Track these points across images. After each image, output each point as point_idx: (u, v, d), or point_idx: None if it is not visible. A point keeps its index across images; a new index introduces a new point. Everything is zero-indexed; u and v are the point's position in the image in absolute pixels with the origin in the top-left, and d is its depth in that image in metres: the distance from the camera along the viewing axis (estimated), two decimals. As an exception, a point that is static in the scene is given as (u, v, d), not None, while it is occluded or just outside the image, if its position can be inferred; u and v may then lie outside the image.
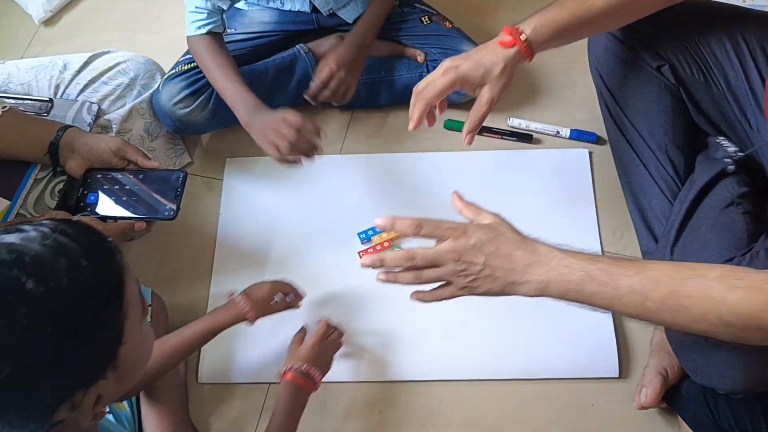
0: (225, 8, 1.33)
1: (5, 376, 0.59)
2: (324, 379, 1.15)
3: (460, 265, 0.89)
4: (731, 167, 1.21)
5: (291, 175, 1.46)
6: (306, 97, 1.41)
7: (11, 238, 0.63)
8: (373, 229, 1.36)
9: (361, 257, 1.26)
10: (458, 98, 1.47)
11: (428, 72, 1.42)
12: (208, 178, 1.48)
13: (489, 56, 1.07)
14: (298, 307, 1.26)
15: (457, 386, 1.25)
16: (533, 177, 1.43)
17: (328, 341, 1.21)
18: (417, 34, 1.48)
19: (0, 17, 1.74)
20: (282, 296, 1.22)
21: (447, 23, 1.49)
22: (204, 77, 1.36)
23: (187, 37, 1.36)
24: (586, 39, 1.33)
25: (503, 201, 1.38)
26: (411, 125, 1.10)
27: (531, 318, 1.28)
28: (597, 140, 1.47)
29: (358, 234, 1.37)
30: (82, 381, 0.65)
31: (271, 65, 1.45)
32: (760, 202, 1.21)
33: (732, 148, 1.24)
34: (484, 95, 1.09)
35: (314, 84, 1.39)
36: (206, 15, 1.32)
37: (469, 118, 1.12)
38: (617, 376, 1.24)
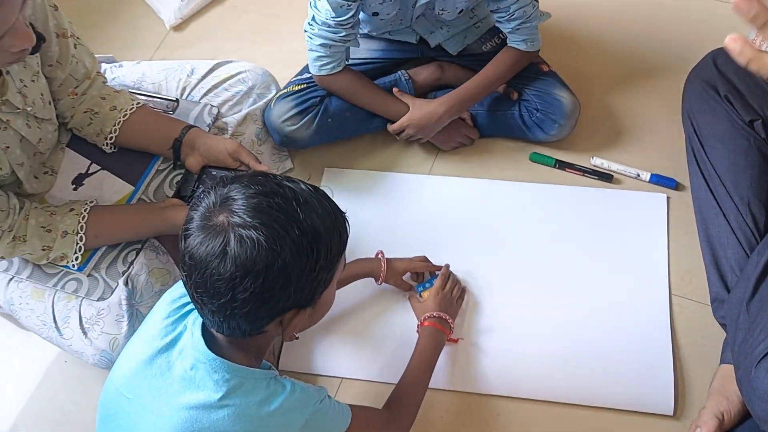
0: (348, 50, 1.48)
1: (267, 277, 0.80)
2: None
3: None
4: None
5: (380, 190, 1.58)
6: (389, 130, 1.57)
7: (291, 184, 0.85)
8: (430, 281, 1.43)
9: (418, 325, 1.38)
10: (546, 138, 1.56)
11: (519, 111, 1.55)
12: (306, 185, 1.61)
13: None
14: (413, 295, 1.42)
15: (515, 403, 1.33)
16: (610, 215, 1.50)
17: (452, 292, 1.38)
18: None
19: (136, 19, 1.93)
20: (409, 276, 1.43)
21: (544, 66, 1.57)
22: (312, 99, 1.50)
23: (318, 77, 1.49)
24: (682, 85, 1.39)
25: (578, 234, 1.48)
26: None
27: (595, 346, 1.36)
28: (676, 186, 1.52)
29: (417, 287, 1.45)
30: (300, 302, 0.86)
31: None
32: None
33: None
34: None
35: (389, 128, 1.56)
36: (337, 58, 1.46)
37: None
38: (671, 414, 1.29)
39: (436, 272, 1.43)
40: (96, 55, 1.58)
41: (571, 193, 1.54)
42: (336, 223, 0.87)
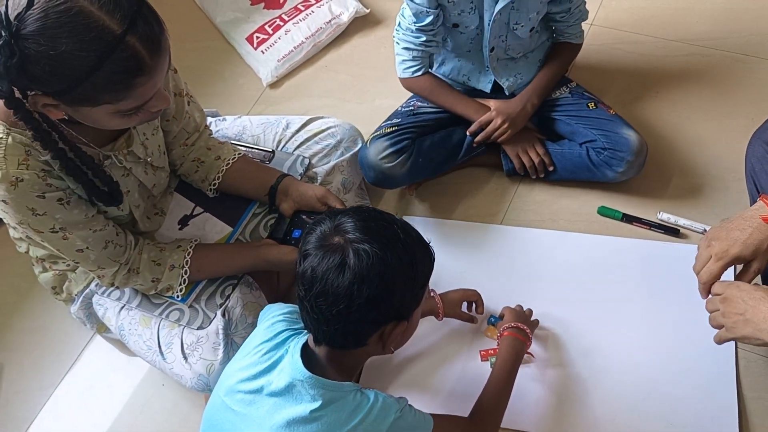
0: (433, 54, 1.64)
1: (379, 284, 0.96)
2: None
3: (725, 309, 1.14)
4: None
5: (453, 239, 1.68)
6: (468, 134, 1.67)
7: (388, 215, 1.05)
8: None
9: (481, 354, 1.47)
10: (615, 177, 1.63)
11: (586, 151, 1.64)
12: (385, 229, 1.73)
13: (755, 234, 1.16)
14: (474, 322, 1.50)
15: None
16: (676, 268, 1.54)
17: (523, 311, 1.47)
18: (582, 116, 1.66)
19: (237, 77, 2.13)
20: (466, 305, 1.51)
21: (611, 110, 1.66)
22: (405, 140, 1.63)
23: (402, 78, 1.67)
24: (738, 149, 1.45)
25: (644, 286, 1.53)
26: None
27: (663, 398, 1.40)
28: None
29: (489, 319, 1.53)
30: (400, 313, 1.03)
31: (456, 130, 1.70)
32: None
33: None
34: (752, 267, 1.19)
35: (473, 126, 1.65)
36: (419, 62, 1.63)
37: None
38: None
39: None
40: (203, 110, 1.78)
41: (638, 246, 1.60)
42: (425, 247, 1.05)
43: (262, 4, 2.18)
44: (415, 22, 1.55)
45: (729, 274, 1.23)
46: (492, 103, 1.64)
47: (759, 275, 1.22)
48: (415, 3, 1.51)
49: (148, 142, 1.35)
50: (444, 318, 1.47)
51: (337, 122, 1.70)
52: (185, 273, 1.40)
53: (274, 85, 2.08)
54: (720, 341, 1.18)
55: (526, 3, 1.51)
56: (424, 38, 1.57)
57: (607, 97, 1.82)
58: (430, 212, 1.74)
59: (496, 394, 1.29)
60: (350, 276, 0.95)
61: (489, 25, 1.53)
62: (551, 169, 1.69)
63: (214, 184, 1.51)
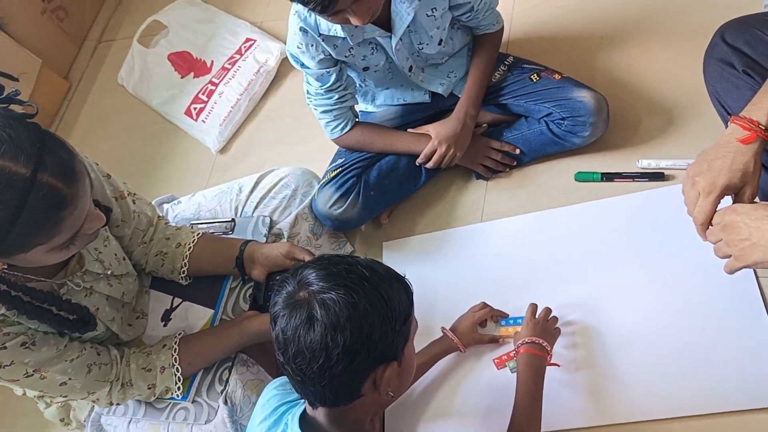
0: (352, 105, 1.57)
1: (353, 329, 0.91)
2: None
3: (727, 233, 1.05)
4: None
5: (441, 249, 1.61)
6: (418, 164, 1.60)
7: (351, 257, 0.99)
8: (514, 319, 1.45)
9: (495, 363, 1.41)
10: (583, 142, 1.56)
11: (546, 126, 1.56)
12: (370, 263, 1.67)
13: (738, 158, 1.09)
14: (499, 341, 1.44)
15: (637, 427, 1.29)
16: (672, 214, 1.45)
17: (546, 319, 1.38)
18: (529, 92, 1.58)
19: (187, 153, 2.09)
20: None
21: (556, 76, 1.58)
22: (350, 179, 1.57)
23: (333, 139, 1.61)
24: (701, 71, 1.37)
25: (645, 241, 1.45)
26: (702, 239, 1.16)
27: (698, 349, 1.32)
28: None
29: (500, 322, 1.47)
30: (387, 354, 0.96)
31: (403, 156, 1.63)
32: None
33: None
34: (746, 192, 1.11)
35: (419, 159, 1.58)
36: (342, 119, 1.56)
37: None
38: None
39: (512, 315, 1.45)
40: (157, 198, 1.74)
41: (627, 201, 1.51)
42: (399, 281, 1.00)
43: (192, 74, 2.15)
44: (321, 86, 1.50)
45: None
46: (431, 130, 1.57)
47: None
48: (313, 70, 1.46)
49: (103, 255, 1.31)
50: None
51: (287, 171, 1.65)
52: (177, 371, 1.35)
53: (223, 150, 2.04)
54: (731, 271, 1.08)
55: (422, 25, 1.43)
56: (336, 96, 1.52)
57: (553, 59, 1.74)
58: (409, 231, 1.68)
59: (524, 418, 1.22)
60: (320, 329, 0.91)
61: (395, 56, 1.47)
62: (517, 152, 1.62)
63: (184, 272, 1.46)
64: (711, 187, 1.10)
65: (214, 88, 2.08)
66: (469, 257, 1.59)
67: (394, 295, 0.96)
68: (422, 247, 1.64)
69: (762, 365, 1.27)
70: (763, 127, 1.08)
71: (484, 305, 1.46)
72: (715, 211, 1.11)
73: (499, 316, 1.46)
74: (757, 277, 1.35)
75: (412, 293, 1.02)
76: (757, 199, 1.18)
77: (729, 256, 1.08)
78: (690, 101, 1.57)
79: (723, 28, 1.33)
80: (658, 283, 1.41)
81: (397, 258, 1.64)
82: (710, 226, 1.12)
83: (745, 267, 1.06)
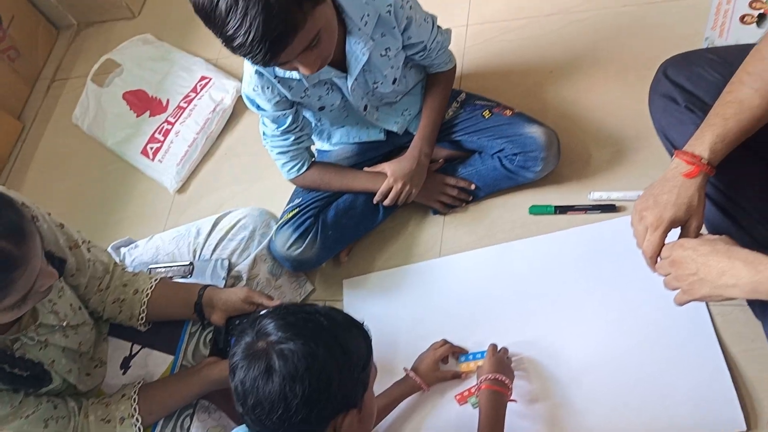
0: (309, 146, 1.58)
1: (311, 379, 0.91)
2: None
3: (676, 268, 1.09)
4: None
5: (401, 286, 1.62)
6: (375, 202, 1.61)
7: (309, 306, 1.01)
8: (474, 354, 1.47)
9: (457, 399, 1.42)
10: (536, 176, 1.58)
11: (500, 163, 1.59)
12: (331, 301, 1.67)
13: (683, 192, 1.13)
14: (461, 377, 1.45)
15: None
16: (624, 244, 1.47)
17: (502, 356, 1.40)
18: (481, 128, 1.61)
19: (145, 194, 2.07)
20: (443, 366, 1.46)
21: (507, 112, 1.61)
22: (307, 220, 1.57)
23: (290, 180, 1.61)
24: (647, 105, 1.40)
25: (599, 274, 1.48)
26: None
27: (652, 379, 1.34)
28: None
29: (460, 358, 1.48)
30: (347, 402, 0.97)
31: (360, 194, 1.63)
32: None
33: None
34: (692, 225, 1.14)
35: (376, 197, 1.59)
36: (299, 159, 1.57)
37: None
38: (745, 428, 1.25)
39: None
40: (115, 242, 1.72)
41: (580, 233, 1.54)
42: (357, 328, 1.01)
43: (147, 113, 2.14)
44: (277, 128, 1.50)
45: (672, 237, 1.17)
46: (387, 168, 1.58)
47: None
48: (269, 112, 1.47)
49: (58, 306, 1.29)
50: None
51: (245, 212, 1.65)
52: (137, 422, 1.33)
53: (181, 190, 2.02)
54: (681, 304, 1.12)
55: (376, 65, 1.45)
56: (293, 138, 1.52)
57: (506, 92, 1.77)
58: (369, 268, 1.68)
59: None
60: (279, 379, 0.91)
61: (351, 96, 1.48)
62: (473, 187, 1.64)
63: (142, 318, 1.45)
64: (658, 222, 1.14)
65: (170, 127, 2.07)
66: (429, 292, 1.60)
67: (352, 343, 0.98)
68: (382, 284, 1.65)
69: (715, 393, 1.30)
70: (705, 161, 1.12)
71: (444, 342, 1.47)
72: (663, 244, 1.15)
73: (459, 353, 1.47)
74: (708, 307, 1.38)
75: (371, 340, 1.02)
76: (704, 230, 1.22)
77: (678, 289, 1.11)
78: (637, 133, 1.61)
79: (665, 64, 1.37)
80: (612, 313, 1.43)
81: (358, 295, 1.65)
82: (660, 260, 1.15)
83: (693, 300, 1.10)
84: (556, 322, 1.46)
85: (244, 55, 1.16)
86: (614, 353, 1.39)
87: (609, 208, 1.55)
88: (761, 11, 1.66)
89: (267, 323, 0.96)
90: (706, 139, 1.13)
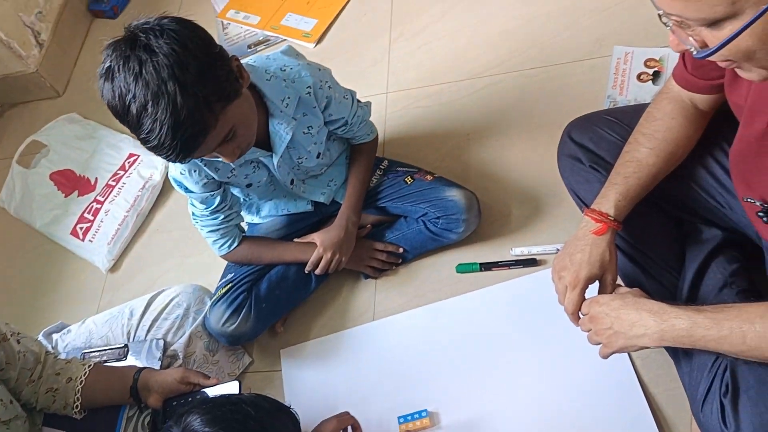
0: (238, 222, 1.61)
1: None
2: None
3: (595, 325, 1.17)
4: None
5: (338, 351, 1.65)
6: (306, 272, 1.64)
7: (235, 397, 1.05)
8: (411, 415, 1.50)
9: None
10: (459, 237, 1.65)
11: (425, 226, 1.65)
12: (269, 372, 1.68)
13: (595, 250, 1.21)
14: None
15: None
16: (546, 297, 1.53)
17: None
18: (404, 194, 1.67)
19: (77, 274, 2.05)
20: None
21: (428, 177, 1.68)
22: (241, 294, 1.60)
23: (222, 256, 1.63)
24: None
25: (524, 328, 1.54)
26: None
27: (577, 424, 1.40)
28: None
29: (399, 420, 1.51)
30: None
31: (292, 265, 1.67)
32: (757, 271, 1.31)
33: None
34: (607, 279, 1.23)
35: (307, 267, 1.63)
36: (229, 236, 1.59)
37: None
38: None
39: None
40: (46, 328, 1.70)
41: (504, 289, 1.61)
42: (285, 412, 1.04)
43: (76, 192, 2.13)
44: (206, 208, 1.53)
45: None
46: (316, 238, 1.62)
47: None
48: (198, 194, 1.50)
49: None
50: None
51: (179, 290, 1.66)
52: None
53: (114, 269, 2.01)
54: (604, 357, 1.20)
55: (300, 142, 1.50)
56: (222, 216, 1.55)
57: (428, 157, 1.85)
58: (306, 336, 1.71)
59: None
60: None
61: (277, 172, 1.52)
62: (401, 251, 1.69)
63: (77, 407, 1.43)
64: (575, 281, 1.22)
65: (99, 206, 2.06)
66: (366, 356, 1.63)
67: (281, 428, 1.00)
68: (320, 351, 1.67)
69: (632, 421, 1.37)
70: (612, 218, 1.21)
71: (350, 416, 1.43)
72: (584, 299, 1.22)
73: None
74: (629, 354, 1.45)
75: (299, 422, 1.04)
76: (619, 280, 1.30)
77: (600, 343, 1.18)
78: (552, 189, 1.69)
79: (569, 126, 1.47)
80: (540, 365, 1.49)
81: (296, 364, 1.67)
82: (581, 315, 1.23)
83: (614, 353, 1.17)
84: (486, 377, 1.51)
85: (159, 155, 1.20)
86: (543, 405, 1.45)
87: (530, 263, 1.62)
88: (656, 69, 1.80)
89: (193, 419, 0.97)
90: (611, 197, 1.22)
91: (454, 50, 2.06)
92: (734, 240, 1.35)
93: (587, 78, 1.85)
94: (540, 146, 1.76)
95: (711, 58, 0.78)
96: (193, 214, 1.57)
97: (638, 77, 1.80)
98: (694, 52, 0.80)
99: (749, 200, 1.13)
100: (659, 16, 0.79)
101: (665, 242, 1.39)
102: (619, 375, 1.43)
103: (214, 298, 1.62)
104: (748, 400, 1.07)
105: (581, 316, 1.24)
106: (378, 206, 1.71)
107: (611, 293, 1.23)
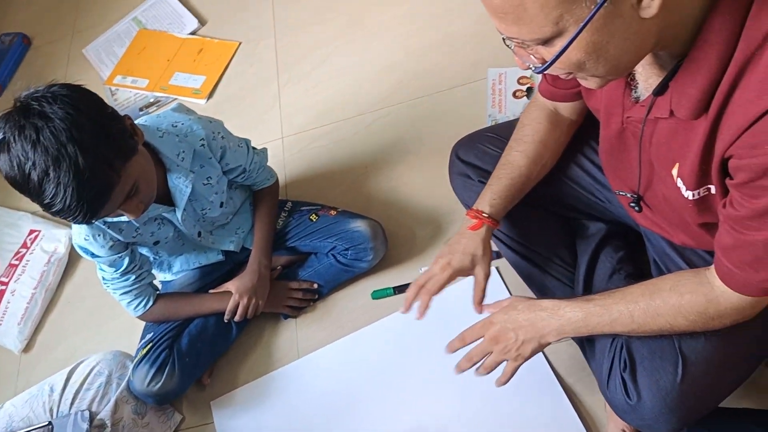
0: (151, 281, 1.62)
1: None
2: None
3: (499, 344, 1.21)
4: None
5: (269, 393, 1.67)
6: (226, 320, 1.66)
7: None
8: None
9: None
10: (369, 265, 1.71)
11: (335, 259, 1.70)
12: (202, 426, 1.68)
13: (469, 243, 1.30)
14: None
15: None
16: (461, 310, 1.61)
17: None
18: (311, 231, 1.73)
19: (-15, 366, 1.98)
20: None
21: (332, 212, 1.74)
22: (162, 353, 1.60)
23: (139, 317, 1.63)
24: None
25: (446, 338, 1.58)
26: (418, 315, 1.33)
27: (492, 415, 1.48)
28: (498, 256, 1.69)
29: None
30: None
31: (210, 316, 1.68)
32: (640, 254, 1.43)
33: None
34: (479, 274, 1.31)
35: (226, 316, 1.65)
36: (143, 296, 1.60)
37: (475, 294, 1.33)
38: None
39: None
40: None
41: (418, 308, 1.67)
42: None
43: (-22, 276, 2.07)
44: (116, 271, 1.53)
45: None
46: (231, 286, 1.65)
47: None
48: (105, 258, 1.50)
49: None
50: None
51: (97, 358, 1.64)
52: None
53: (27, 349, 1.96)
54: (512, 373, 1.25)
55: (201, 194, 1.53)
56: (133, 277, 1.56)
57: (330, 193, 1.92)
58: (234, 384, 1.72)
59: None
60: None
61: (182, 226, 1.55)
62: (315, 286, 1.74)
63: (4, 493, 1.39)
64: (445, 267, 1.31)
65: (4, 287, 2.01)
66: (295, 394, 1.66)
67: None
68: (250, 397, 1.68)
69: (564, 427, 1.45)
70: (486, 215, 1.30)
71: None
72: (444, 282, 1.30)
73: None
74: (544, 354, 1.53)
75: None
76: (502, 294, 1.38)
77: (501, 362, 1.24)
78: (450, 207, 1.79)
79: (456, 147, 1.57)
80: (463, 376, 1.51)
81: (228, 414, 1.67)
82: (470, 346, 1.27)
83: (526, 361, 1.23)
84: (415, 395, 1.57)
85: (65, 218, 1.21)
86: (471, 416, 1.51)
87: (441, 279, 1.70)
88: (528, 85, 1.94)
89: None
90: (486, 197, 1.33)
91: (342, 89, 2.15)
92: (617, 231, 1.47)
93: (468, 100, 1.98)
94: (433, 169, 1.85)
95: (550, 71, 0.88)
96: (104, 278, 1.56)
97: (514, 95, 1.94)
98: (534, 68, 0.91)
99: (621, 193, 1.25)
100: (503, 39, 0.89)
101: (558, 241, 1.50)
102: (537, 373, 1.52)
103: (135, 360, 1.61)
104: (644, 370, 1.17)
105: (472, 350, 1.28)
106: (287, 246, 1.75)
107: (484, 287, 1.31)
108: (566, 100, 1.30)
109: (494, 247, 1.61)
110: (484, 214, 1.31)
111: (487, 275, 1.31)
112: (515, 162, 1.33)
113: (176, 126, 1.47)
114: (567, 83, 1.26)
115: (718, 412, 1.23)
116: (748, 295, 1.00)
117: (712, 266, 1.04)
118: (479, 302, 1.31)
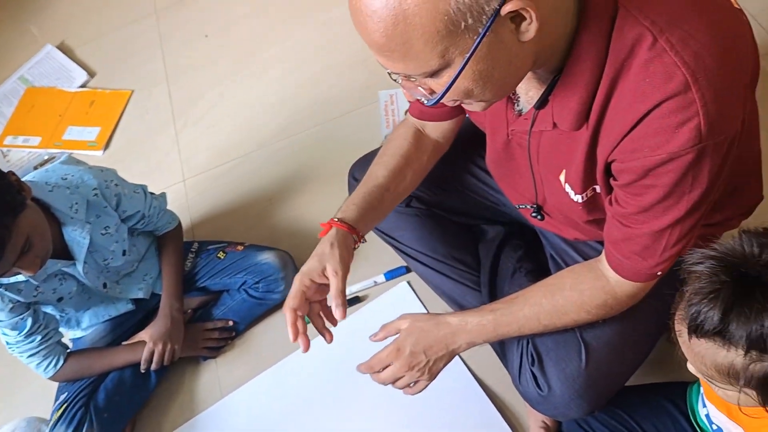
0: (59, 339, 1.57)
1: None
2: None
3: (412, 369, 1.23)
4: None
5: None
6: (143, 370, 1.63)
7: None
8: None
9: None
10: (281, 296, 1.68)
11: (247, 294, 1.71)
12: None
13: (318, 247, 1.25)
14: None
15: None
16: (377, 328, 1.66)
17: None
18: (218, 270, 1.73)
19: None
20: None
21: (239, 247, 1.75)
22: (78, 411, 1.55)
23: (51, 378, 1.58)
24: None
25: (366, 356, 1.61)
26: (291, 338, 1.24)
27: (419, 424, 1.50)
28: (407, 270, 1.73)
29: None
30: None
31: (126, 368, 1.64)
32: (537, 251, 1.50)
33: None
34: (329, 270, 1.22)
35: (142, 367, 1.62)
36: (52, 355, 1.55)
37: (331, 290, 1.24)
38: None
39: None
40: None
41: (338, 329, 1.68)
42: None
43: None
44: (19, 333, 1.48)
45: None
46: (144, 335, 1.63)
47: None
48: (6, 321, 1.46)
49: None
50: None
51: (11, 427, 1.59)
52: None
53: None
54: (421, 389, 1.27)
55: (100, 244, 1.51)
56: (39, 338, 1.51)
57: (236, 230, 1.92)
58: (163, 428, 1.68)
59: None
60: None
61: (86, 279, 1.52)
62: (231, 324, 1.73)
63: None
64: (299, 274, 1.23)
65: None
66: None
67: None
68: (206, 426, 1.65)
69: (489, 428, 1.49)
70: (336, 219, 1.27)
71: None
72: (305, 290, 1.22)
73: None
74: (462, 359, 1.58)
75: None
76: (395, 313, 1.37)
77: (410, 383, 1.26)
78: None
79: (352, 168, 1.61)
80: (387, 390, 1.53)
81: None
82: (373, 371, 1.29)
83: (434, 378, 1.26)
84: (342, 416, 1.58)
85: None
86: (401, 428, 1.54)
87: (355, 301, 1.73)
88: (417, 104, 2.00)
89: None
90: (342, 206, 1.31)
91: (238, 126, 2.17)
92: (514, 230, 1.54)
93: (363, 123, 2.03)
94: (335, 193, 1.82)
95: (442, 102, 0.91)
96: (8, 342, 1.51)
97: (406, 113, 1.98)
98: (425, 101, 0.92)
99: (522, 206, 1.31)
100: (389, 74, 0.91)
101: (461, 248, 1.55)
102: (458, 380, 1.57)
103: (51, 423, 1.55)
104: (550, 361, 1.23)
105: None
106: (198, 287, 1.74)
107: (337, 285, 1.22)
108: (434, 119, 1.34)
109: (402, 263, 1.67)
110: (335, 219, 1.28)
111: (338, 271, 1.22)
112: (374, 173, 1.34)
113: (66, 178, 1.44)
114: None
115: (626, 390, 1.31)
116: (639, 281, 1.09)
117: (603, 258, 1.12)
118: (339, 305, 1.22)
